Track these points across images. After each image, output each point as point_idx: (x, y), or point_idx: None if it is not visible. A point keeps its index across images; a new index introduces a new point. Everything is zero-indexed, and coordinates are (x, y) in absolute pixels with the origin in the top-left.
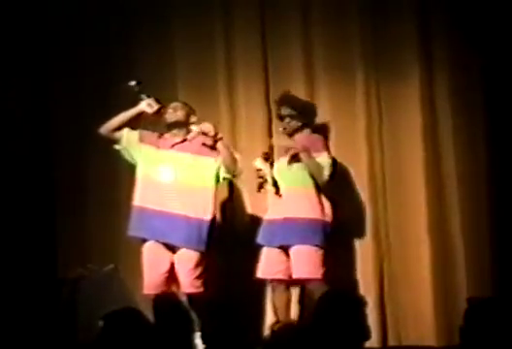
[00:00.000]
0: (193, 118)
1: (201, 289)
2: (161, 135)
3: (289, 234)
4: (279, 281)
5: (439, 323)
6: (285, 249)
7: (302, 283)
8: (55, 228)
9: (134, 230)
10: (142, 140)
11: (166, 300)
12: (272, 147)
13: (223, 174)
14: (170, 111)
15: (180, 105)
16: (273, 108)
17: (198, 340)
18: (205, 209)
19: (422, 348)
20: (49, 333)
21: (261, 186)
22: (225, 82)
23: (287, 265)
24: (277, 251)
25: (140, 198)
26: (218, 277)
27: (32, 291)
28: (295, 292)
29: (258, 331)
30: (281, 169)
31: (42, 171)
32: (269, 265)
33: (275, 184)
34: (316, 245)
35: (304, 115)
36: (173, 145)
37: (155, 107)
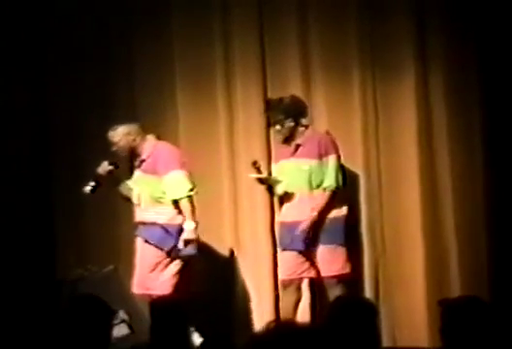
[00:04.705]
0: (137, 140)
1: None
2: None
3: (310, 237)
4: (299, 281)
5: (433, 324)
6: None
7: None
8: (54, 229)
9: None
10: None
11: (163, 303)
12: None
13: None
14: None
15: (115, 140)
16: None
17: (196, 339)
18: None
19: None
20: (49, 335)
21: (271, 192)
22: (223, 83)
23: (308, 264)
24: (295, 253)
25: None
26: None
27: (31, 292)
28: (305, 294)
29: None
30: (287, 172)
31: (40, 171)
32: (291, 266)
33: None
34: (339, 244)
35: (293, 115)
36: (138, 166)
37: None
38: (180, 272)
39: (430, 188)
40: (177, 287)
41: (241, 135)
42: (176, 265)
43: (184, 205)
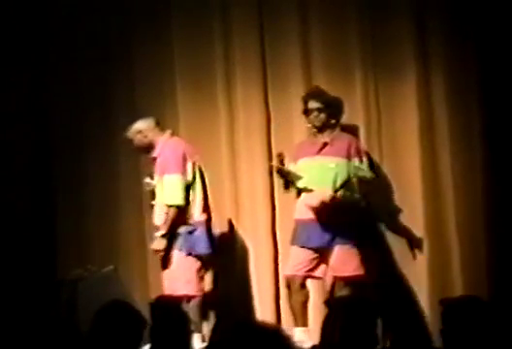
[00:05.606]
0: (150, 136)
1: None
2: None
3: (327, 235)
4: (303, 279)
5: (435, 324)
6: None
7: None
8: (55, 229)
9: None
10: None
11: (163, 303)
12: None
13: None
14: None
15: (130, 136)
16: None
17: (197, 341)
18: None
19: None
20: (49, 335)
21: (286, 186)
22: (223, 82)
23: (316, 263)
24: (305, 250)
25: None
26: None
27: (31, 292)
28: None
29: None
30: (310, 169)
31: (41, 171)
32: (299, 262)
33: (287, 183)
34: (354, 244)
35: (332, 110)
36: (153, 163)
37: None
38: (198, 272)
39: (432, 187)
40: (201, 287)
41: (242, 134)
42: (195, 264)
43: (169, 211)
